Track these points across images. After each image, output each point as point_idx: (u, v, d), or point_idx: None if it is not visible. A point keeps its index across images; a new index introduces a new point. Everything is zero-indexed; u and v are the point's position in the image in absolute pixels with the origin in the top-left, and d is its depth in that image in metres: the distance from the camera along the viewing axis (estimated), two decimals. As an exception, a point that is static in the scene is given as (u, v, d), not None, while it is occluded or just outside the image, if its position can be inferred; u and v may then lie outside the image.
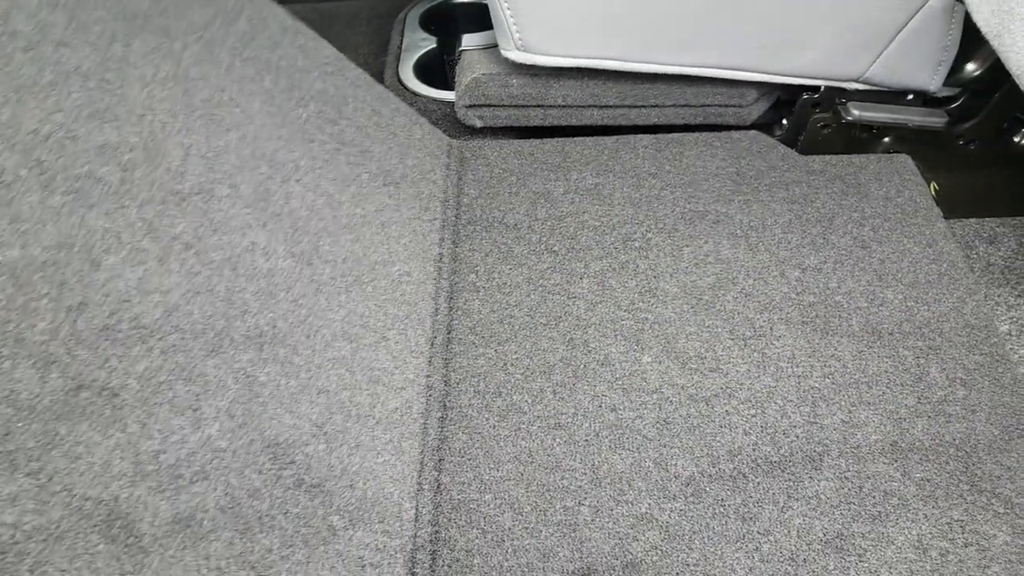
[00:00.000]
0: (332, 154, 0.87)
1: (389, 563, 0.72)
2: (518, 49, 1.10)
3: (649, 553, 0.75)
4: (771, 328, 0.92)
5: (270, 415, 0.65)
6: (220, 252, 0.66)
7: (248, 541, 0.59)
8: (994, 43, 0.89)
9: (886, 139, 1.25)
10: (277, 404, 0.66)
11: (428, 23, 1.46)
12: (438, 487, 0.80)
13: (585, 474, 0.81)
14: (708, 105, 1.20)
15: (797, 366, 0.89)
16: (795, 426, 0.83)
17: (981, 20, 0.91)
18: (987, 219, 1.17)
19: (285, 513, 0.63)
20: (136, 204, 0.61)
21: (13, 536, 0.45)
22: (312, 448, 0.68)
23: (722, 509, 0.78)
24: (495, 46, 1.18)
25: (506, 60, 1.14)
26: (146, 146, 0.64)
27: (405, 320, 0.87)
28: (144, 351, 0.56)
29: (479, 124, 1.23)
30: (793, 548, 0.75)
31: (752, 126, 1.24)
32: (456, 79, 1.23)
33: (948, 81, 1.16)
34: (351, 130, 0.92)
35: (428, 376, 0.87)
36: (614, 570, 0.74)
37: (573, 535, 0.77)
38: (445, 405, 0.86)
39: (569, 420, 0.85)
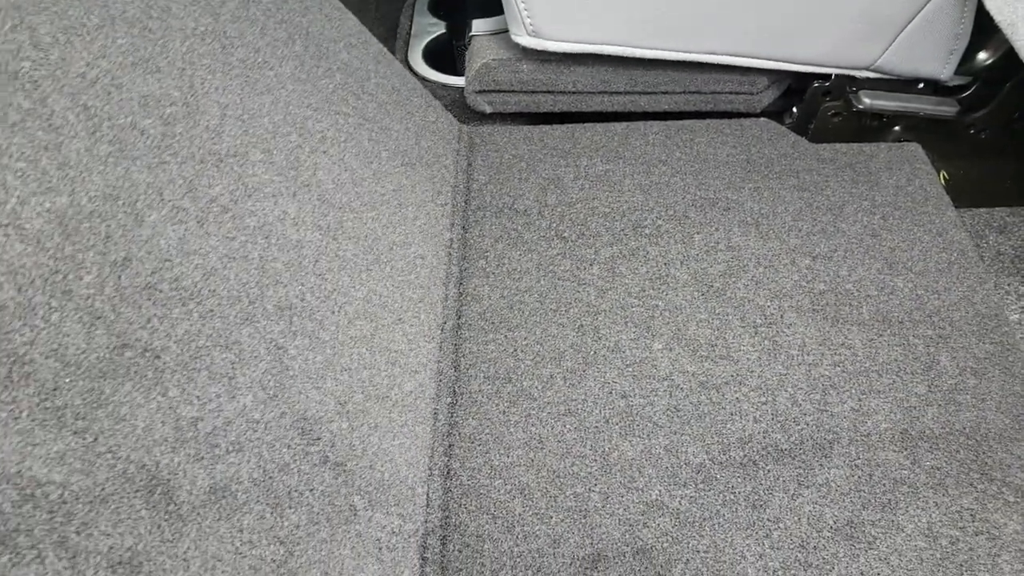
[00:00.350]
0: (356, 128, 0.86)
1: (403, 547, 0.71)
2: (529, 34, 1.09)
3: (659, 539, 0.75)
4: (781, 316, 0.92)
5: (298, 389, 0.64)
6: (254, 218, 0.66)
7: (278, 516, 0.58)
8: (1007, 32, 0.89)
9: (897, 128, 1.25)
10: (305, 378, 0.66)
11: (437, 8, 1.45)
12: (448, 472, 0.80)
13: (595, 460, 0.80)
14: (718, 92, 1.20)
15: (807, 354, 0.89)
16: (805, 414, 0.84)
17: (994, 9, 0.91)
18: (997, 208, 1.18)
19: (312, 490, 0.62)
20: (177, 161, 0.60)
21: (62, 495, 0.44)
22: (336, 425, 0.68)
23: (732, 496, 0.78)
24: (505, 31, 1.18)
25: (516, 45, 1.13)
26: (186, 101, 0.63)
27: (419, 303, 0.87)
28: (184, 313, 0.56)
29: (488, 110, 1.23)
30: (803, 535, 0.75)
31: (762, 114, 1.24)
32: (466, 64, 1.23)
33: (960, 70, 1.17)
34: (372, 106, 0.91)
35: (439, 361, 0.87)
36: (624, 556, 0.74)
37: (583, 521, 0.77)
38: (455, 391, 0.86)
39: (579, 406, 0.84)
